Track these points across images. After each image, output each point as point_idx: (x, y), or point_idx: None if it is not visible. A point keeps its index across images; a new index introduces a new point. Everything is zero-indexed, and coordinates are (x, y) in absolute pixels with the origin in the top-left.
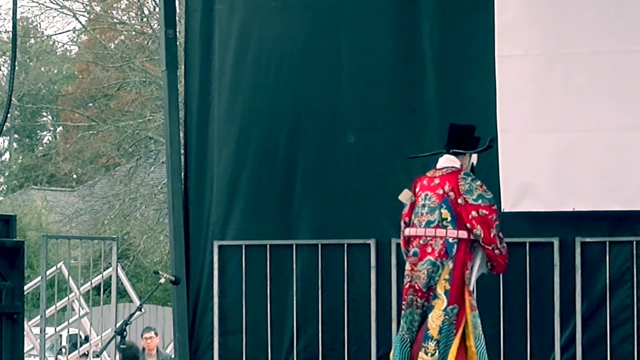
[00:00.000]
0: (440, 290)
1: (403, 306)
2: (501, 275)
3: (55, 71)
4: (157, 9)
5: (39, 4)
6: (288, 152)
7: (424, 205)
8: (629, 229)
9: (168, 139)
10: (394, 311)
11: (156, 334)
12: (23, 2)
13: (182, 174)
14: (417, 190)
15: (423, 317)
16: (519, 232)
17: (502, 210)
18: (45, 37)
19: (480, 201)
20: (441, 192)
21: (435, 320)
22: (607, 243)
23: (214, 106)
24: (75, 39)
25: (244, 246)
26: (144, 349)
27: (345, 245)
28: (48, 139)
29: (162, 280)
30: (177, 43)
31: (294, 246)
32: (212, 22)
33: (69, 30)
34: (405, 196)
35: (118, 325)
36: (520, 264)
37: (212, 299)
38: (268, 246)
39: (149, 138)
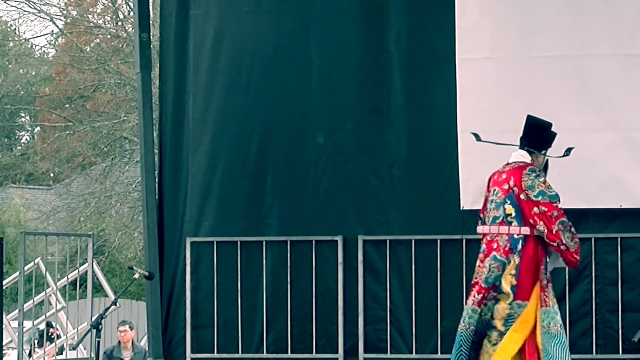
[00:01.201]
0: (506, 285)
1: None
2: (464, 270)
3: (33, 73)
4: (131, 13)
5: (18, 8)
6: (260, 153)
7: (492, 201)
8: (589, 226)
9: (142, 139)
10: (360, 306)
11: (131, 328)
12: (2, 6)
13: (156, 173)
14: (490, 185)
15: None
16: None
17: (461, 208)
18: (24, 41)
19: (540, 197)
20: (506, 187)
21: (500, 312)
22: None
23: (188, 107)
24: (52, 42)
25: (215, 243)
26: (119, 342)
27: (314, 241)
28: (26, 139)
29: (137, 276)
30: (151, 46)
31: (264, 243)
32: (187, 27)
33: (46, 34)
34: (480, 191)
35: (94, 319)
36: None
37: (185, 294)
38: (239, 243)
39: (123, 138)
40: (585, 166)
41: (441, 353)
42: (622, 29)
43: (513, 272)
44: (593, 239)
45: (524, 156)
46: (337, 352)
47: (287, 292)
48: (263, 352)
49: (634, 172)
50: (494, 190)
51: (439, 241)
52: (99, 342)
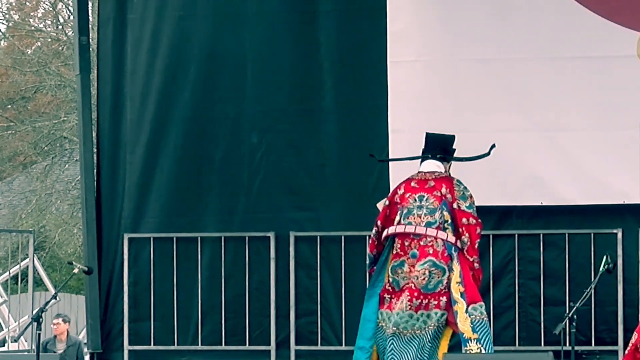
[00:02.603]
0: (456, 294)
1: (387, 307)
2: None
3: None
4: (71, 17)
5: None
6: (195, 152)
7: (420, 207)
8: (513, 222)
9: (81, 139)
10: (292, 299)
11: (65, 321)
12: None
13: (95, 171)
14: (400, 192)
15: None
16: None
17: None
18: None
19: (471, 210)
20: (439, 194)
21: (464, 324)
22: (491, 236)
23: (126, 108)
24: None
25: (152, 239)
26: (54, 335)
27: (247, 238)
28: None
29: (76, 271)
30: (90, 49)
31: (199, 239)
32: (125, 30)
33: None
34: (381, 203)
35: (34, 312)
36: None
37: (123, 288)
38: (175, 239)
39: (63, 138)
40: (509, 165)
41: None
42: (545, 33)
43: (458, 279)
44: (516, 236)
45: (439, 166)
46: (269, 344)
47: (222, 286)
48: (198, 344)
49: (555, 171)
50: (421, 196)
51: (368, 237)
52: (39, 334)
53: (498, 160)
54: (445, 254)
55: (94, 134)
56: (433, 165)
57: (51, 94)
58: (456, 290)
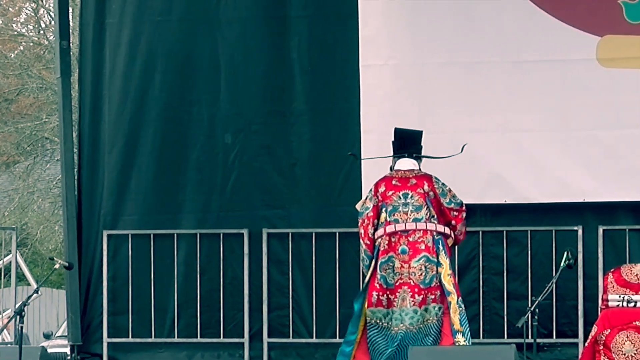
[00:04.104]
0: (450, 287)
1: (386, 306)
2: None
3: None
4: (52, 23)
5: None
6: (172, 152)
7: (406, 204)
8: (477, 220)
9: (62, 139)
10: (265, 294)
11: None
12: None
13: (75, 170)
14: (382, 190)
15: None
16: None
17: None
18: None
19: (452, 204)
20: (422, 191)
21: (454, 314)
22: None
23: (105, 109)
24: None
25: (130, 235)
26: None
27: (222, 234)
28: None
29: (57, 266)
30: (71, 53)
31: (175, 235)
32: (103, 35)
33: None
34: (360, 204)
35: (17, 306)
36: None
37: (102, 283)
38: (152, 235)
39: (45, 138)
40: (473, 165)
41: (339, 337)
42: (508, 37)
43: (449, 272)
44: (480, 232)
45: (414, 164)
46: (243, 337)
47: (197, 281)
48: (174, 337)
49: (518, 171)
50: (405, 194)
51: (337, 234)
52: (22, 327)
53: (463, 160)
54: (434, 249)
55: (75, 135)
56: (410, 164)
57: (33, 96)
58: (449, 282)
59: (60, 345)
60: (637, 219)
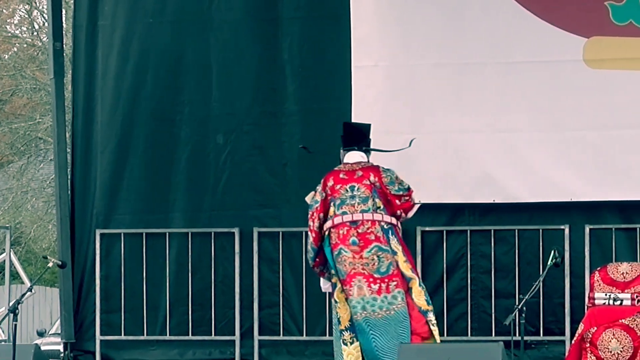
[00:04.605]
0: (408, 272)
1: (346, 294)
2: None
3: None
4: (46, 24)
5: None
6: (164, 152)
7: (353, 197)
8: (465, 219)
9: (56, 139)
10: (255, 292)
11: None
12: None
13: (68, 170)
14: (330, 184)
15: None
16: None
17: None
18: None
19: (401, 192)
20: (368, 182)
21: (419, 297)
22: (445, 231)
23: (97, 110)
24: None
25: (122, 234)
26: None
27: (213, 233)
28: None
29: (50, 264)
30: (64, 54)
31: (167, 234)
32: (96, 36)
33: None
34: (310, 197)
35: (11, 304)
36: None
37: (95, 281)
38: (144, 234)
39: (39, 138)
40: (462, 164)
41: (329, 335)
42: (497, 39)
43: (404, 258)
44: (469, 231)
45: (363, 157)
46: (234, 335)
47: (189, 279)
48: (166, 335)
49: (506, 171)
50: (352, 186)
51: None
52: (15, 325)
53: (452, 160)
54: (384, 237)
55: (68, 135)
56: (358, 156)
57: (27, 96)
58: (406, 268)
59: (53, 342)
60: (623, 218)
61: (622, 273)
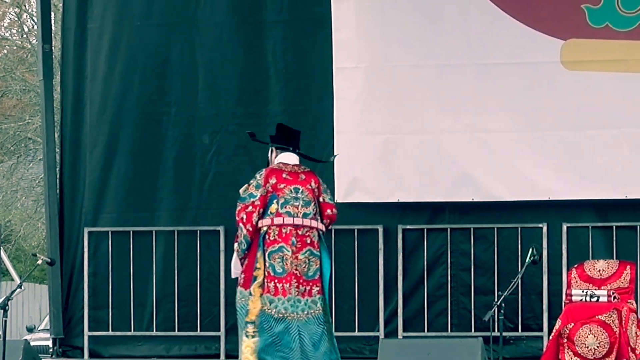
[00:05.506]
0: (320, 281)
1: (274, 293)
2: (333, 257)
3: None
4: (35, 27)
5: None
6: (152, 151)
7: (297, 198)
8: (445, 217)
9: (45, 140)
10: None
11: None
12: None
13: (57, 169)
14: (272, 181)
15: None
16: (349, 220)
17: (334, 201)
18: None
19: (333, 202)
20: (310, 187)
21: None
22: (425, 230)
23: (86, 111)
24: None
25: (110, 232)
26: None
27: (198, 231)
28: None
29: (40, 262)
30: (53, 56)
31: (154, 232)
32: (85, 39)
33: None
34: (242, 189)
35: (1, 300)
36: (349, 247)
37: (84, 278)
38: (131, 232)
39: (28, 138)
40: (442, 164)
41: None
42: (475, 41)
43: (327, 266)
44: (449, 229)
45: (297, 159)
46: (219, 331)
47: (175, 276)
48: (153, 330)
49: (485, 170)
50: (297, 188)
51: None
52: (5, 321)
53: (432, 159)
54: (318, 243)
55: (57, 135)
56: (295, 159)
57: (16, 97)
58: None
59: (42, 338)
60: (600, 216)
61: (599, 270)
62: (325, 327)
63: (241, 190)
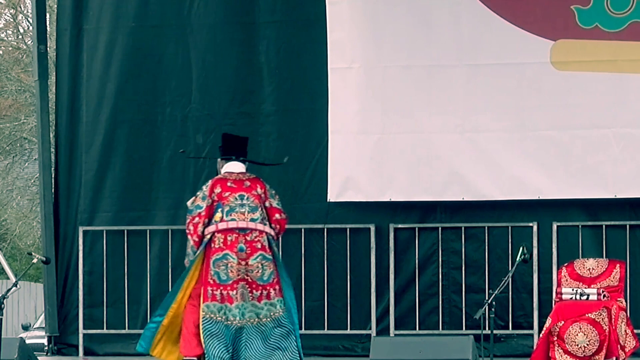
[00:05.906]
0: (278, 284)
1: (221, 300)
2: (325, 256)
3: None
4: (30, 28)
5: None
6: (146, 151)
7: (242, 205)
8: (437, 217)
9: (40, 139)
10: None
11: None
12: None
13: (53, 169)
14: (217, 191)
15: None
16: (341, 219)
17: (327, 200)
18: None
19: (280, 207)
20: (256, 193)
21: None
22: (417, 229)
23: (82, 111)
24: None
25: (105, 231)
26: None
27: None
28: None
29: (35, 260)
30: (48, 57)
31: (148, 231)
32: (81, 40)
33: None
34: (190, 202)
35: None
36: (341, 246)
37: (79, 277)
38: (126, 231)
39: (23, 138)
40: (433, 163)
41: (304, 329)
42: (465, 41)
43: (274, 269)
44: (440, 228)
45: (243, 167)
46: None
47: (169, 275)
48: None
49: (476, 169)
50: (242, 195)
51: (303, 230)
52: (1, 319)
53: (424, 160)
54: (269, 247)
55: (52, 135)
56: (240, 167)
57: (12, 98)
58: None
59: (38, 336)
60: (589, 215)
61: (589, 269)
62: (289, 329)
63: (189, 203)
